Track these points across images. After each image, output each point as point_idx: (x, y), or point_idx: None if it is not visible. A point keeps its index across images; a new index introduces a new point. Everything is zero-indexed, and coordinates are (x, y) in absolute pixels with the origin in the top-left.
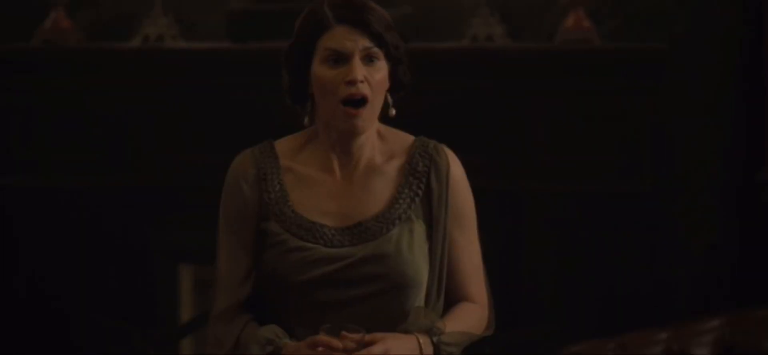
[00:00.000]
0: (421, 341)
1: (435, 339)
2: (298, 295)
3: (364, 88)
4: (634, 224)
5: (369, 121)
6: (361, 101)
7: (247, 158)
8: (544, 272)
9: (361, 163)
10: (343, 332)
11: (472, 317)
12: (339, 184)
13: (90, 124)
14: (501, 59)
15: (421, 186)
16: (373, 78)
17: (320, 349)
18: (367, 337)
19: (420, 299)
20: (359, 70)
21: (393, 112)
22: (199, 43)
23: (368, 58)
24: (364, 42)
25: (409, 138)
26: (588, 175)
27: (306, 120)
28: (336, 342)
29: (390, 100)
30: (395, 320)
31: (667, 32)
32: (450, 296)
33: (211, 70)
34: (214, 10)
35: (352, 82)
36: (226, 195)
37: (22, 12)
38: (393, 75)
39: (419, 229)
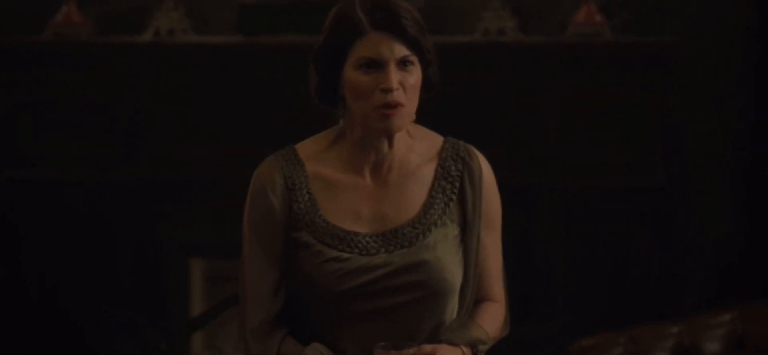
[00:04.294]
0: (464, 352)
1: (476, 351)
2: (335, 305)
3: (398, 95)
4: (644, 218)
5: (404, 121)
6: (395, 106)
7: (273, 166)
8: (555, 265)
9: (395, 166)
10: (393, 351)
11: (498, 319)
12: (370, 187)
13: (100, 117)
14: (512, 53)
15: (454, 190)
16: (408, 82)
17: None
18: (420, 350)
19: (454, 303)
20: (394, 77)
21: (413, 116)
22: (211, 37)
23: (403, 63)
24: (401, 50)
25: (439, 139)
26: (598, 169)
27: (341, 122)
28: None
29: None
30: (431, 326)
31: (678, 26)
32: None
33: (222, 64)
34: (225, 4)
35: (388, 90)
36: (252, 205)
37: (34, 5)
38: (424, 75)
39: (453, 233)
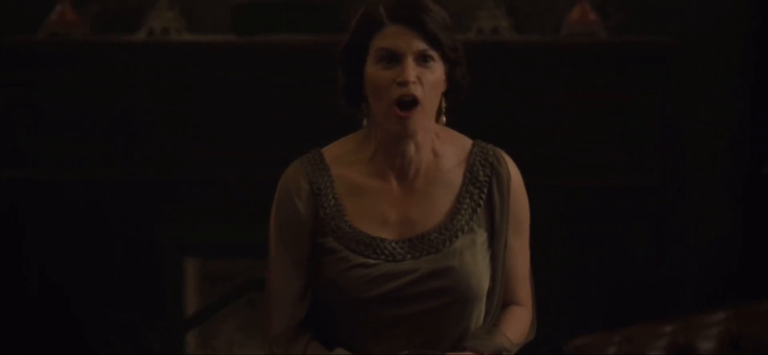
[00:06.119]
0: None
1: None
2: (360, 311)
3: (415, 89)
4: (640, 218)
5: (421, 124)
6: (411, 102)
7: (298, 171)
8: (551, 265)
9: (421, 170)
10: None
11: (523, 324)
12: (397, 192)
13: (96, 117)
14: (507, 52)
15: (482, 196)
16: (427, 78)
17: None
18: None
19: (480, 309)
20: (411, 70)
21: (444, 119)
22: (205, 36)
23: (423, 59)
24: (418, 43)
25: (467, 142)
26: (594, 169)
27: (364, 122)
28: None
29: (443, 105)
30: (457, 332)
31: (677, 26)
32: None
33: (216, 63)
34: (219, 3)
35: (404, 83)
36: (277, 211)
37: (28, 5)
38: (450, 77)
39: (481, 239)
